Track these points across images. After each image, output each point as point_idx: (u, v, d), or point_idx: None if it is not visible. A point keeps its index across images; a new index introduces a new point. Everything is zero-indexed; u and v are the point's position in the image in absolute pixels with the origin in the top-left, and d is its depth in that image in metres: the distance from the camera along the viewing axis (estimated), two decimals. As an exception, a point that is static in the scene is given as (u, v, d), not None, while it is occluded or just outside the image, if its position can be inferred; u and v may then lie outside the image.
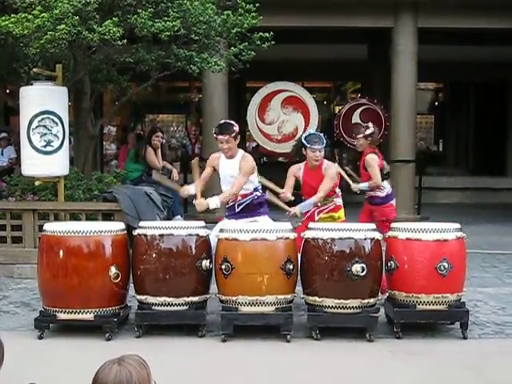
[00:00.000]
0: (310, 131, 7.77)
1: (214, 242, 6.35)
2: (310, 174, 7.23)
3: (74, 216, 8.70)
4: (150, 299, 6.16)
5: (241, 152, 7.03)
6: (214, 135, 6.89)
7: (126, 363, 2.31)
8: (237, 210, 6.95)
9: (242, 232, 6.04)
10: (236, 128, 6.85)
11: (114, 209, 8.62)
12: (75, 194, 8.99)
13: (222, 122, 7.10)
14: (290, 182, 7.27)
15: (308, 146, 7.15)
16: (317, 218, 7.11)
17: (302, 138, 7.33)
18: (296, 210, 7.03)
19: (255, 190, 7.03)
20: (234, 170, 6.90)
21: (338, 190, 7.33)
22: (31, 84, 8.63)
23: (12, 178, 9.67)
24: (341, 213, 7.27)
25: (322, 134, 7.43)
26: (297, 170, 7.32)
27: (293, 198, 7.14)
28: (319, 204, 7.16)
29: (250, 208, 6.95)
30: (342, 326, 6.17)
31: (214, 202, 6.80)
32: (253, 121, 13.86)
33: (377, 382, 5.19)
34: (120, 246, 6.29)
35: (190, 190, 7.13)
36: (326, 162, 7.27)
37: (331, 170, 7.21)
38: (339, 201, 7.30)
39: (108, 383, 2.26)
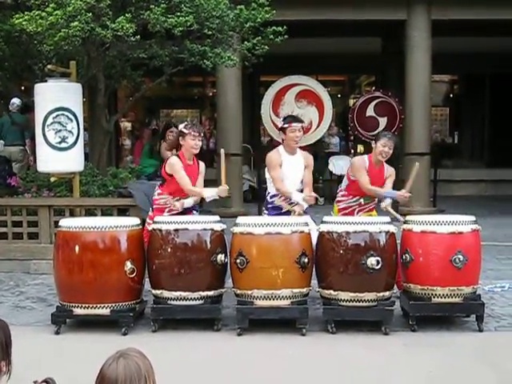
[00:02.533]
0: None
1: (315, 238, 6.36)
2: (374, 171, 7.07)
3: (90, 212, 8.74)
4: (166, 294, 6.19)
5: (298, 148, 7.08)
6: (286, 125, 6.95)
7: (131, 356, 2.32)
8: (284, 209, 6.96)
9: (257, 226, 6.05)
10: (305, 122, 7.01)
11: (129, 204, 8.66)
12: (90, 189, 9.04)
13: (289, 114, 7.21)
14: (367, 178, 6.99)
15: (381, 137, 7.10)
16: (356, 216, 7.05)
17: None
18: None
19: (302, 191, 7.04)
20: (298, 166, 6.98)
21: None
22: (46, 81, 8.68)
23: (28, 174, 9.74)
24: (376, 211, 7.25)
25: (395, 136, 7.46)
26: (365, 164, 7.09)
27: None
28: (362, 202, 7.11)
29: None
30: (357, 320, 6.17)
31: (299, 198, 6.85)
32: (267, 115, 13.83)
33: (392, 375, 5.19)
34: (135, 241, 6.32)
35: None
36: (386, 164, 7.21)
37: (394, 173, 7.17)
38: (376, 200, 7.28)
39: (118, 378, 2.27)
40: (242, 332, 6.08)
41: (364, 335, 6.09)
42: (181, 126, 7.02)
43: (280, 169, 6.95)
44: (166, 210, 6.95)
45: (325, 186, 15.32)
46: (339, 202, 7.23)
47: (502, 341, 5.97)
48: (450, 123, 20.23)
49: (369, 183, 6.97)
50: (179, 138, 6.97)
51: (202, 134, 7.08)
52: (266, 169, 7.12)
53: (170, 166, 6.87)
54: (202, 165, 7.10)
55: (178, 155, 6.98)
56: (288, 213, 6.91)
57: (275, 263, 6.01)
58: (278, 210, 6.96)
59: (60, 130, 8.39)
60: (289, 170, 6.96)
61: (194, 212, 7.17)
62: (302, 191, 7.00)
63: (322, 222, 6.32)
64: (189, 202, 6.91)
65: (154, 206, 7.09)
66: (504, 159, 17.46)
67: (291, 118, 7.11)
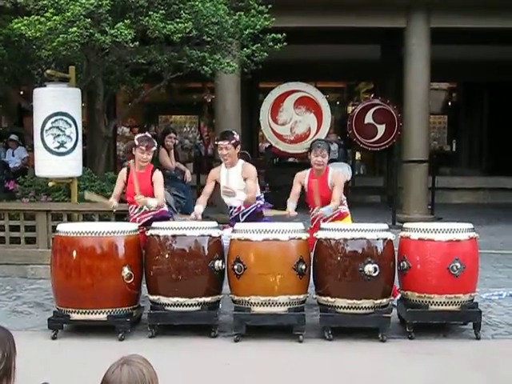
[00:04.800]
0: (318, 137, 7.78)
1: (226, 243, 6.39)
2: (314, 180, 7.09)
3: (87, 217, 8.73)
4: (163, 299, 6.18)
5: (241, 161, 7.18)
6: (216, 142, 7.12)
7: (135, 362, 2.30)
8: (241, 219, 7.02)
9: (255, 232, 6.05)
10: (236, 136, 7.11)
11: (126, 209, 8.62)
12: (88, 194, 9.02)
13: (224, 130, 7.29)
14: (296, 190, 7.16)
15: (313, 148, 7.15)
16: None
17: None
18: (323, 210, 6.90)
19: (258, 198, 7.10)
20: (235, 179, 7.04)
21: (343, 197, 7.18)
22: (45, 86, 8.69)
23: (26, 178, 9.73)
24: (347, 220, 7.14)
25: (326, 142, 7.52)
26: (302, 178, 7.21)
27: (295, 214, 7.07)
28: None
29: (255, 217, 7.00)
30: (354, 327, 6.17)
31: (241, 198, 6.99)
32: (266, 121, 13.86)
33: (389, 382, 5.19)
34: (133, 247, 6.32)
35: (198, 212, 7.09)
36: (332, 169, 7.20)
37: (340, 178, 7.14)
38: (344, 208, 7.17)
39: None
40: (239, 338, 6.07)
41: (361, 342, 6.08)
42: (135, 137, 7.33)
43: (212, 185, 7.20)
44: (137, 218, 7.17)
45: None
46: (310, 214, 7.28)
47: (499, 349, 5.96)
48: (448, 131, 20.30)
49: (293, 196, 7.11)
50: (132, 148, 7.32)
51: (154, 148, 7.28)
52: None
53: None
54: (156, 174, 7.25)
55: (128, 165, 7.38)
56: (246, 221, 6.96)
57: (273, 270, 6.01)
58: (236, 221, 6.99)
59: (58, 135, 8.39)
60: (223, 183, 7.11)
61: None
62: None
63: (320, 229, 6.33)
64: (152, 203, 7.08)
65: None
66: (502, 167, 17.50)
67: (219, 136, 7.27)
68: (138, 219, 7.14)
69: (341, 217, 7.10)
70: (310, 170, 7.25)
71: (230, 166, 7.10)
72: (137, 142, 7.16)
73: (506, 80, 17.58)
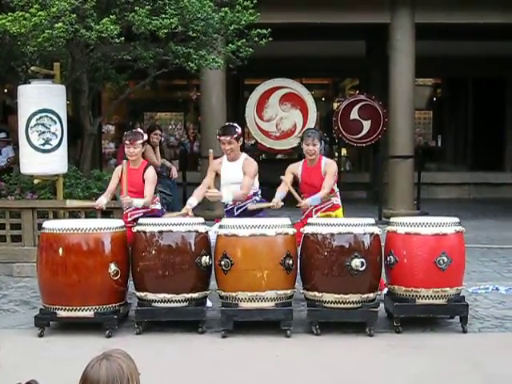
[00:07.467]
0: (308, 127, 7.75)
1: (213, 240, 6.37)
2: (308, 171, 7.12)
3: (73, 214, 8.69)
4: (150, 296, 6.16)
5: (244, 155, 7.16)
6: (217, 136, 7.02)
7: (115, 357, 2.31)
8: (235, 213, 6.98)
9: (241, 228, 6.04)
10: (238, 130, 7.05)
11: (112, 206, 8.60)
12: (74, 192, 9.00)
13: (226, 124, 7.20)
14: (287, 179, 7.12)
15: (304, 137, 7.16)
16: (314, 217, 6.99)
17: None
18: (307, 201, 6.96)
19: (255, 194, 7.07)
20: (236, 173, 6.99)
21: (336, 189, 7.18)
22: (29, 82, 8.63)
23: (11, 176, 9.68)
24: (339, 212, 7.13)
25: (317, 130, 7.49)
26: (295, 168, 7.22)
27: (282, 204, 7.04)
28: None
29: (249, 212, 6.95)
30: (341, 321, 6.17)
31: (227, 197, 6.92)
32: (251, 118, 13.85)
33: (377, 376, 5.20)
34: (119, 243, 6.29)
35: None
36: (325, 158, 7.21)
37: (332, 166, 7.13)
38: (337, 200, 7.16)
39: (101, 379, 2.26)
40: (227, 334, 6.07)
41: (348, 337, 6.09)
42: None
43: (212, 175, 7.17)
44: (129, 214, 7.13)
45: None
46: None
47: (485, 342, 5.99)
48: (433, 126, 20.30)
49: (282, 186, 7.07)
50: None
51: (139, 142, 7.14)
52: None
53: None
54: (148, 171, 7.16)
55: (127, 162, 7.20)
56: (240, 217, 6.84)
57: (260, 265, 6.00)
58: (230, 214, 7.00)
59: (43, 132, 8.34)
60: (225, 176, 7.09)
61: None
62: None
63: (307, 224, 6.32)
64: (138, 203, 7.03)
65: None
66: (487, 162, 17.57)
67: (221, 131, 7.15)
68: (129, 214, 7.10)
69: (333, 208, 7.09)
70: (303, 160, 7.25)
71: (232, 159, 7.07)
72: (123, 138, 7.13)
73: (491, 76, 17.64)
